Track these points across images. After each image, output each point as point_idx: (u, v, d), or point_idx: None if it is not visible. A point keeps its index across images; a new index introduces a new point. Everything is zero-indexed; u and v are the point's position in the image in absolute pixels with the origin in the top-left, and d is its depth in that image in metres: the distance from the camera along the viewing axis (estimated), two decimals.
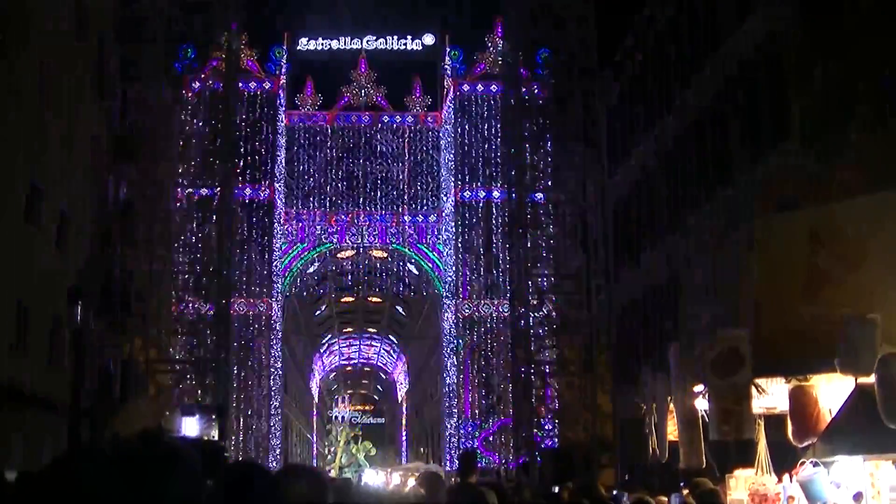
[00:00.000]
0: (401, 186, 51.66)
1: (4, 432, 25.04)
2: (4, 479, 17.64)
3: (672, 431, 12.66)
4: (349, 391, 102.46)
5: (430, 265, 51.05)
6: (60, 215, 29.87)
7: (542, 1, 35.53)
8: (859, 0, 19.99)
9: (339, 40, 54.47)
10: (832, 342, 9.47)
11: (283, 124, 50.29)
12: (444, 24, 53.39)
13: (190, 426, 28.34)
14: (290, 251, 50.27)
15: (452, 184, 48.68)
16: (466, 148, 48.75)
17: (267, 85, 49.02)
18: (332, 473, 65.48)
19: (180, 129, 37.17)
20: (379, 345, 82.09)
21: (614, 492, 19.94)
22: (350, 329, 77.07)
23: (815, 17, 21.27)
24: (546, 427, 34.71)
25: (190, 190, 36.69)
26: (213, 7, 35.83)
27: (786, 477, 11.50)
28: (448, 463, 46.18)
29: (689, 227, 31.52)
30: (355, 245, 51.85)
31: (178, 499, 2.13)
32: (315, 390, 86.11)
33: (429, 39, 54.06)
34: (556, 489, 20.56)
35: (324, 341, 76.62)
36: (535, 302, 34.37)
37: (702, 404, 11.71)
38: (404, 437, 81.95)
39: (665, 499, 14.09)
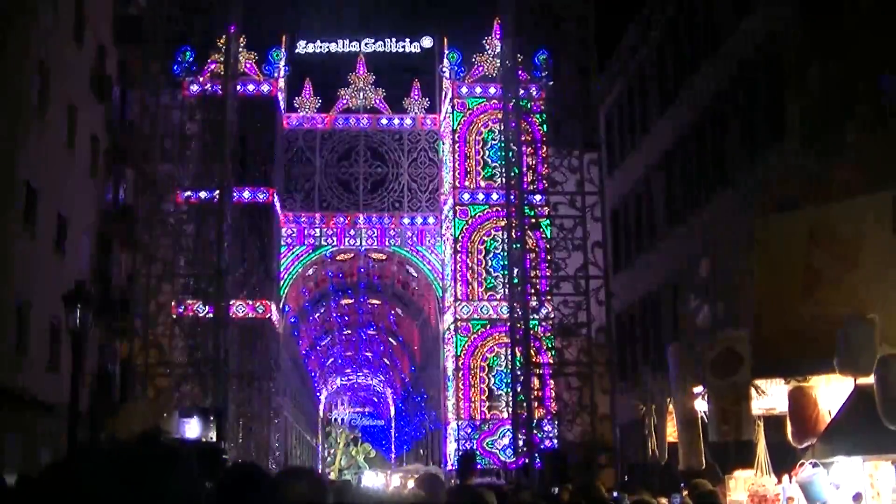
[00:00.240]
0: (399, 189, 51.65)
1: (4, 434, 25.04)
2: (4, 481, 17.63)
3: (671, 432, 12.67)
4: (348, 393, 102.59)
5: (429, 267, 51.05)
6: (59, 217, 29.87)
7: (540, 2, 35.50)
8: (858, 0, 20.00)
9: (337, 43, 54.56)
10: (831, 343, 9.47)
11: (281, 127, 50.27)
12: (442, 27, 53.42)
13: (188, 428, 28.30)
14: (289, 254, 50.26)
15: (451, 186, 48.68)
16: (465, 150, 48.75)
17: (265, 87, 49.01)
18: (332, 476, 65.52)
19: (179, 132, 37.13)
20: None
21: (614, 493, 19.93)
22: (350, 332, 77.05)
23: (814, 17, 21.27)
24: (545, 428, 34.67)
25: (188, 192, 36.62)
26: (212, 9, 35.80)
27: (785, 478, 11.50)
28: (448, 465, 46.17)
29: (688, 228, 31.54)
30: (354, 247, 51.83)
31: (175, 500, 2.12)
32: (315, 392, 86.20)
33: (427, 42, 54.13)
34: (556, 490, 20.56)
35: (322, 342, 76.58)
36: (534, 303, 34.33)
37: (701, 405, 11.72)
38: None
39: (665, 500, 14.08)
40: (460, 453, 40.44)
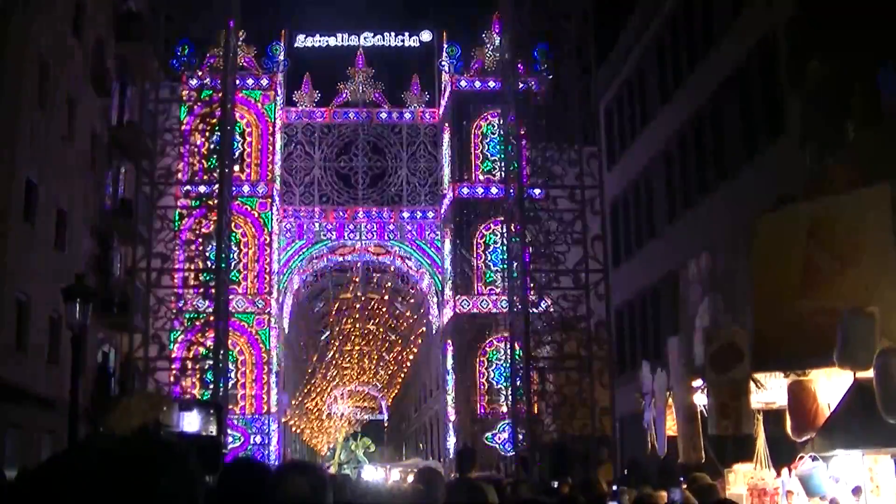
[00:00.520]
0: (399, 183, 51.64)
1: (3, 429, 25.05)
2: (4, 475, 17.66)
3: (671, 426, 12.68)
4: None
5: (429, 261, 51.05)
6: (59, 212, 29.87)
7: None
8: None
9: (336, 37, 54.49)
10: (831, 337, 9.47)
11: (280, 121, 50.25)
12: (441, 21, 53.39)
13: (188, 422, 28.30)
14: (288, 248, 50.26)
15: (450, 180, 48.67)
16: (464, 144, 48.74)
17: (264, 82, 48.99)
18: (332, 470, 65.48)
19: (178, 126, 37.11)
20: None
21: (613, 487, 19.95)
22: (349, 326, 76.99)
23: (812, 12, 21.26)
24: (545, 422, 34.69)
25: (188, 186, 36.63)
26: (211, 4, 35.77)
27: (785, 471, 11.51)
28: (447, 459, 46.22)
29: (687, 222, 31.57)
30: (353, 241, 51.82)
31: (174, 494, 2.12)
32: None
33: (426, 36, 54.07)
34: (556, 484, 20.57)
35: (322, 338, 76.52)
36: (533, 297, 34.34)
37: (701, 399, 11.73)
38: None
39: (664, 494, 14.10)
40: (459, 447, 40.47)
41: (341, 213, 51.03)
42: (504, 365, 44.05)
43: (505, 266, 41.98)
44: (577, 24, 35.20)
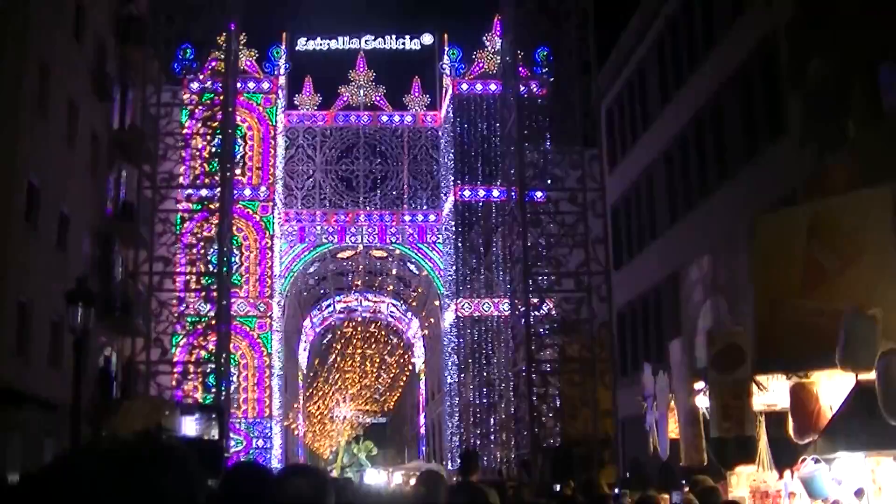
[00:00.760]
0: (400, 186, 51.65)
1: (6, 433, 25.04)
2: (6, 479, 17.65)
3: (673, 429, 12.67)
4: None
5: (430, 264, 51.05)
6: (61, 216, 29.88)
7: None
8: None
9: (337, 40, 54.51)
10: (832, 338, 9.46)
11: (281, 124, 50.27)
12: (442, 23, 53.47)
13: (190, 426, 28.32)
14: (289, 251, 50.26)
15: (452, 183, 48.68)
16: (465, 147, 48.75)
17: (266, 85, 49.01)
18: (334, 473, 65.46)
19: (179, 130, 37.13)
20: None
21: (616, 489, 19.94)
22: (350, 329, 77.01)
23: (812, 11, 21.26)
24: (547, 425, 34.68)
25: (189, 190, 36.64)
26: (212, 7, 35.80)
27: (787, 473, 11.50)
28: (450, 462, 46.18)
29: (688, 224, 31.56)
30: (355, 245, 51.83)
31: (175, 497, 2.12)
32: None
33: (427, 39, 54.09)
34: (558, 487, 20.58)
35: (324, 341, 76.54)
36: (535, 300, 34.33)
37: (703, 401, 11.71)
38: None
39: (666, 496, 14.09)
40: (462, 450, 40.46)
41: (343, 217, 51.03)
42: (506, 368, 44.03)
43: (507, 269, 41.99)
44: (576, 26, 35.22)
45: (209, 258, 35.01)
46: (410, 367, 61.52)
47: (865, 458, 10.14)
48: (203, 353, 34.37)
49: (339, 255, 53.75)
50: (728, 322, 11.56)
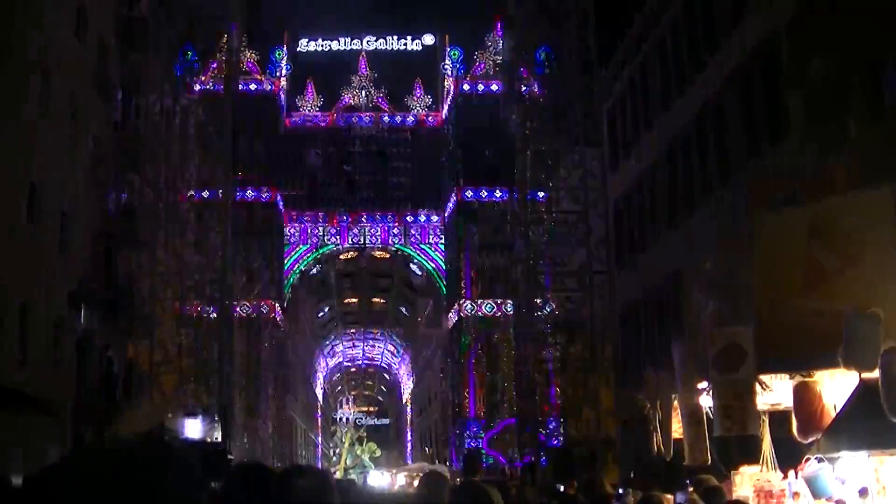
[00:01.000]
0: (402, 186, 51.66)
1: (8, 435, 25.05)
2: (10, 482, 17.65)
3: (676, 428, 12.65)
4: (353, 392, 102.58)
5: (433, 265, 51.05)
6: (62, 217, 29.87)
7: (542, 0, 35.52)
8: None
9: (338, 41, 54.59)
10: (835, 337, 9.44)
11: (284, 125, 50.30)
12: (443, 24, 53.43)
13: (193, 428, 28.37)
14: (292, 252, 50.28)
15: (454, 183, 48.68)
16: (467, 146, 48.75)
17: (268, 86, 49.05)
18: (337, 475, 65.48)
19: (181, 131, 37.17)
20: (382, 345, 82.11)
21: (619, 489, 19.93)
22: (353, 330, 77.10)
23: (812, 11, 21.25)
24: (550, 426, 34.69)
25: (191, 192, 36.68)
26: (214, 9, 35.84)
27: (791, 473, 11.49)
28: (453, 463, 46.18)
29: (690, 224, 31.52)
30: (358, 246, 51.86)
31: (177, 499, 2.12)
32: (320, 392, 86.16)
33: (428, 39, 54.15)
34: (561, 487, 20.56)
35: (327, 342, 76.59)
36: (538, 300, 34.33)
37: (706, 401, 11.70)
38: (409, 438, 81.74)
39: (670, 496, 14.08)
40: (465, 451, 40.46)
41: (345, 217, 51.07)
42: (509, 368, 44.04)
43: (509, 268, 41.99)
44: (577, 26, 35.22)
45: (212, 260, 35.04)
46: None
47: (869, 457, 10.13)
48: (206, 354, 34.40)
49: (342, 256, 53.79)
50: (730, 322, 11.55)
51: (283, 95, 49.87)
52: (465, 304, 47.43)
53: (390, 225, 51.10)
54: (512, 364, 40.98)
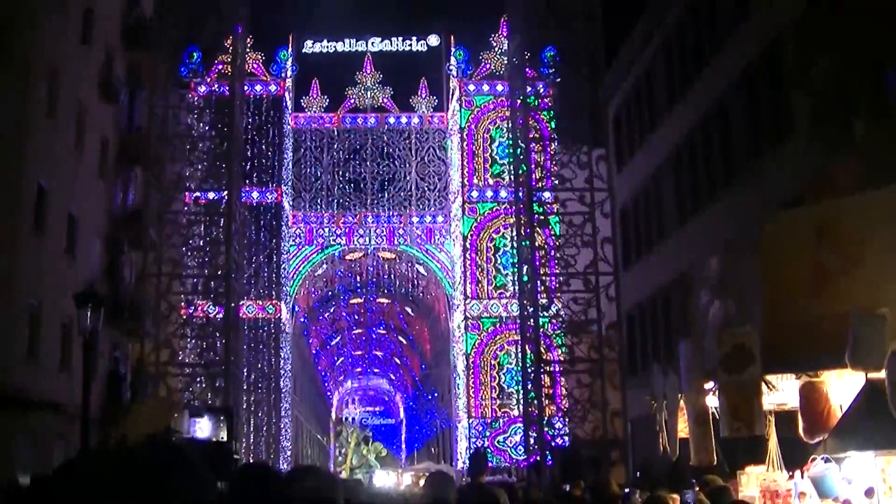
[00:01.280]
0: (408, 187, 51.66)
1: (16, 435, 25.12)
2: (17, 481, 17.71)
3: (683, 429, 12.65)
4: (359, 392, 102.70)
5: (439, 265, 51.05)
6: (69, 219, 29.95)
7: (548, 0, 35.49)
8: None
9: (344, 42, 54.56)
10: (842, 338, 9.44)
11: (289, 127, 50.32)
12: (448, 24, 53.41)
13: (199, 429, 28.36)
14: (298, 254, 50.30)
15: (459, 184, 48.67)
16: (473, 148, 48.73)
17: (273, 87, 49.06)
18: (343, 475, 65.59)
19: (187, 133, 37.22)
20: (388, 347, 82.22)
21: (625, 489, 19.93)
22: (359, 330, 77.11)
23: (817, 12, 21.24)
24: (556, 426, 34.66)
25: (197, 193, 36.71)
26: (219, 10, 35.86)
27: (797, 473, 11.48)
28: (459, 463, 46.18)
29: (697, 224, 31.53)
30: (363, 247, 51.86)
31: (185, 498, 2.13)
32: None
33: (434, 40, 54.11)
34: (568, 488, 20.56)
35: (332, 342, 76.64)
36: (543, 301, 34.32)
37: (712, 401, 11.70)
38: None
39: (676, 496, 14.07)
40: (471, 452, 40.43)
41: (350, 219, 51.07)
42: (515, 368, 44.02)
43: (515, 269, 41.98)
44: (584, 26, 35.19)
45: (217, 260, 35.06)
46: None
47: (876, 457, 10.11)
48: (212, 355, 34.43)
49: (348, 257, 53.78)
50: (736, 322, 11.54)
51: (288, 96, 49.90)
52: (470, 304, 47.42)
53: (395, 225, 51.11)
54: (518, 364, 40.96)
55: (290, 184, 49.92)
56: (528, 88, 36.56)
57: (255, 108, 47.52)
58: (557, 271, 34.52)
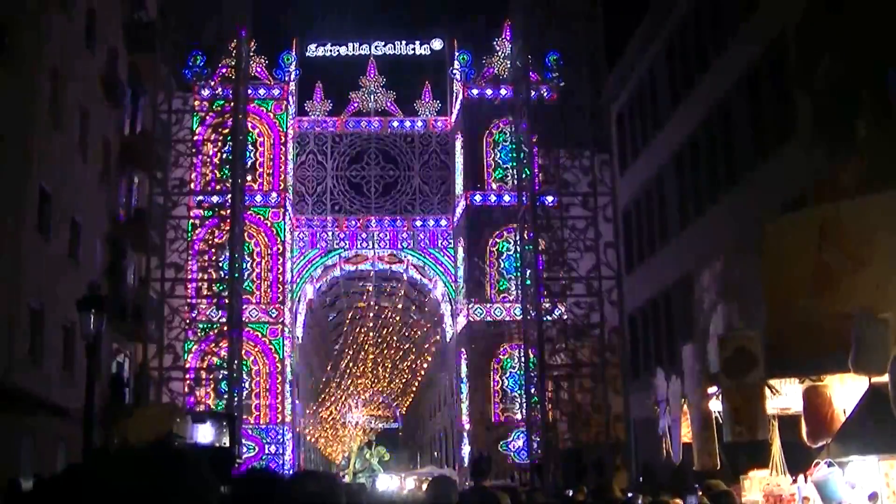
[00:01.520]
0: (411, 191, 51.68)
1: (19, 438, 25.13)
2: (20, 484, 17.70)
3: (686, 433, 12.63)
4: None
5: (441, 269, 51.05)
6: (72, 222, 29.97)
7: (550, 3, 35.52)
8: None
9: (347, 46, 54.60)
10: (845, 341, 9.43)
11: (292, 130, 50.35)
12: (452, 29, 53.43)
13: (201, 433, 28.35)
14: (301, 257, 50.32)
15: (462, 187, 48.68)
16: (476, 152, 48.74)
17: (276, 91, 49.10)
18: (346, 479, 65.51)
19: (190, 136, 37.25)
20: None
21: (628, 494, 19.90)
22: (362, 335, 77.02)
23: (821, 13, 21.23)
24: (559, 430, 34.65)
25: (200, 196, 36.76)
26: (222, 14, 35.93)
27: (800, 477, 11.46)
28: (462, 467, 46.16)
29: (700, 228, 31.48)
30: (366, 250, 51.87)
31: (186, 503, 2.12)
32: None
33: (437, 44, 54.12)
34: (570, 492, 20.53)
35: (335, 347, 76.58)
36: (546, 305, 34.32)
37: (715, 405, 11.68)
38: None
39: (679, 501, 14.06)
40: (474, 456, 40.43)
41: (354, 223, 51.08)
42: (518, 372, 44.00)
43: (518, 274, 41.98)
44: (585, 27, 35.23)
45: (221, 264, 35.12)
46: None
47: (879, 461, 10.11)
48: (215, 359, 34.47)
49: (351, 261, 53.78)
50: (739, 326, 11.52)
51: (291, 100, 49.94)
52: (473, 309, 47.41)
53: (399, 229, 51.12)
54: (521, 368, 40.95)
55: (293, 187, 49.95)
56: (532, 92, 36.58)
57: (258, 112, 47.54)
58: (560, 275, 34.54)
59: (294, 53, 50.85)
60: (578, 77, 36.13)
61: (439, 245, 50.96)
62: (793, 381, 10.75)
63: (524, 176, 36.08)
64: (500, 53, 48.94)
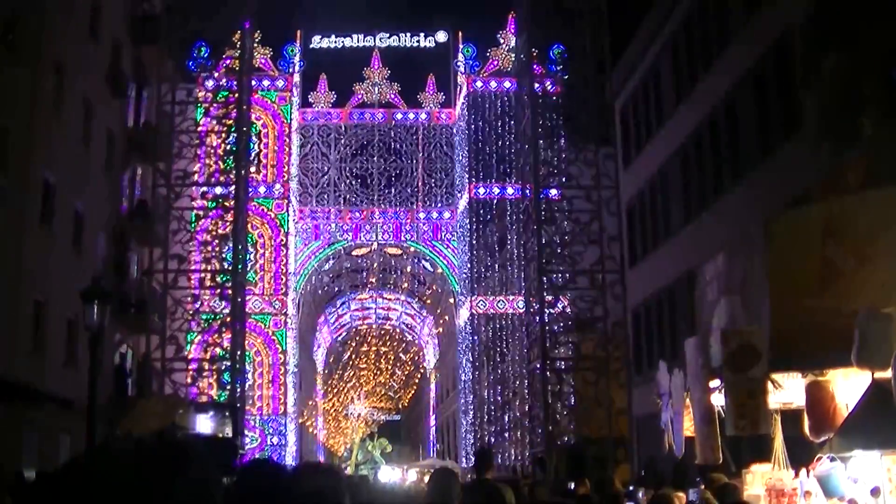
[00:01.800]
0: (415, 183, 51.65)
1: (22, 430, 25.18)
2: (23, 476, 17.75)
3: (688, 427, 12.64)
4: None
5: (445, 262, 51.05)
6: (76, 213, 30.00)
7: None
8: None
9: (351, 38, 54.51)
10: (848, 337, 9.42)
11: (296, 122, 50.32)
12: (456, 21, 53.43)
13: (204, 424, 28.42)
14: (304, 249, 50.32)
15: (466, 180, 48.65)
16: (480, 144, 48.69)
17: (280, 83, 49.07)
18: (349, 471, 65.61)
19: (194, 128, 37.24)
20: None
21: (630, 487, 19.93)
22: (365, 326, 77.16)
23: (827, 9, 21.19)
24: (562, 423, 34.66)
25: (204, 188, 36.76)
26: (226, 6, 35.90)
27: (803, 472, 11.47)
28: (464, 459, 46.20)
29: (703, 222, 31.47)
30: (370, 242, 51.85)
31: (190, 496, 2.12)
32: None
33: (441, 36, 54.04)
34: (572, 485, 20.54)
35: (338, 341, 76.65)
36: (550, 298, 34.32)
37: (718, 400, 11.68)
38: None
39: (682, 495, 14.07)
40: (477, 448, 40.46)
41: (357, 214, 51.06)
42: (521, 366, 44.00)
43: (521, 266, 41.98)
44: (590, 22, 35.19)
45: (224, 256, 35.13)
46: (423, 368, 62.07)
47: (881, 456, 10.10)
48: (218, 350, 34.49)
49: (354, 253, 53.79)
50: (743, 321, 11.52)
51: (295, 92, 49.90)
52: (476, 301, 47.42)
53: (402, 221, 51.09)
54: (524, 361, 40.96)
55: (297, 179, 49.93)
56: (536, 85, 36.54)
57: (262, 103, 47.52)
58: (564, 268, 34.54)
59: (298, 45, 50.80)
60: (583, 70, 36.08)
61: (442, 237, 50.95)
62: (795, 376, 10.75)
63: (528, 169, 36.07)
64: (504, 46, 48.88)
